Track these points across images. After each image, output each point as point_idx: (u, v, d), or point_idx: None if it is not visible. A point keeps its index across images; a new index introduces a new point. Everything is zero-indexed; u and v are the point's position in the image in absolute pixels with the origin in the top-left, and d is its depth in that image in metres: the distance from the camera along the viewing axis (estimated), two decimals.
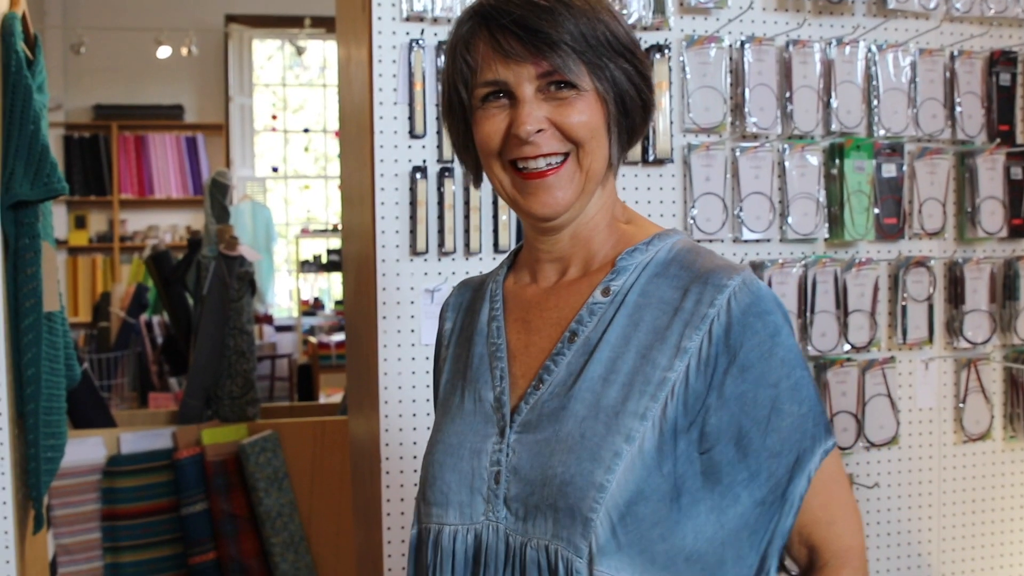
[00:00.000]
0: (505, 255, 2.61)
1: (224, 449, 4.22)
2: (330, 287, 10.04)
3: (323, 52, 10.25)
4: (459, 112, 1.38)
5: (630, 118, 1.36)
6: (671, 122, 2.74)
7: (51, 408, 2.58)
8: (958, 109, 2.97)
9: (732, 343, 1.27)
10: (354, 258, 2.96)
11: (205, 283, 4.33)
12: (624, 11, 2.67)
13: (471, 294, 1.55)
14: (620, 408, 1.27)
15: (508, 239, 2.63)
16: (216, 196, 4.44)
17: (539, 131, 1.30)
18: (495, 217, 2.63)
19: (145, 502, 4.17)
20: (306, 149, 10.36)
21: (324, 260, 9.32)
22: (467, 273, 2.61)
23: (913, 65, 2.93)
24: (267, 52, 10.25)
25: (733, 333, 1.27)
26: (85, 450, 4.11)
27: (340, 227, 9.54)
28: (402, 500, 2.58)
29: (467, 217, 2.61)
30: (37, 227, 2.47)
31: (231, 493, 4.19)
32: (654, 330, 1.30)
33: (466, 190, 2.61)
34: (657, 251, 1.37)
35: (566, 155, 1.32)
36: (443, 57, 2.58)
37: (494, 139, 1.33)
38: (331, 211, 10.31)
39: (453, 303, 1.57)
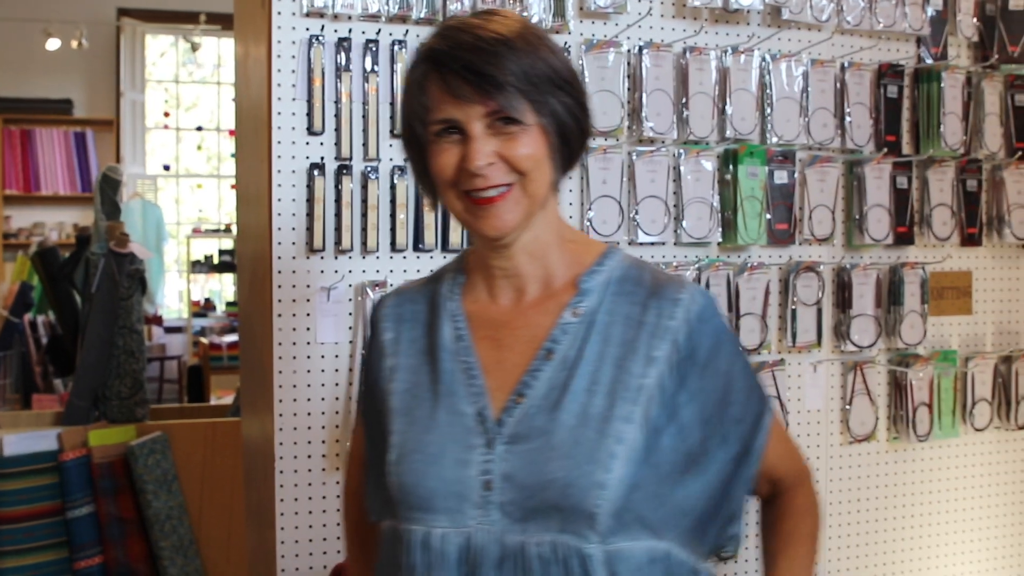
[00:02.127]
0: (402, 253, 2.62)
1: (112, 451, 4.12)
2: (222, 288, 9.88)
3: (218, 49, 10.09)
4: (416, 146, 1.53)
5: (569, 145, 1.52)
6: None
7: None
8: (848, 119, 3.05)
9: (692, 348, 1.50)
10: (249, 257, 2.92)
11: (94, 281, 4.22)
12: (525, 13, 2.69)
13: (413, 307, 1.65)
14: (608, 415, 1.45)
15: (405, 238, 2.62)
16: (106, 192, 4.33)
17: (489, 164, 1.44)
18: (392, 215, 2.62)
19: (28, 505, 4.04)
20: (199, 148, 10.19)
21: (216, 261, 9.16)
22: (363, 272, 2.60)
23: (805, 75, 3.00)
24: (160, 48, 10.06)
25: (692, 339, 1.50)
26: None
27: (233, 227, 9.43)
28: (296, 500, 2.55)
29: (364, 215, 2.60)
30: None
31: (118, 496, 4.09)
32: (624, 343, 1.49)
33: (363, 188, 2.59)
34: (611, 269, 1.55)
35: (512, 183, 1.47)
36: (344, 54, 2.57)
37: (448, 171, 1.48)
38: (223, 211, 10.15)
39: (391, 314, 1.66)
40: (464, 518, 1.46)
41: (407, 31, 2.63)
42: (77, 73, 9.36)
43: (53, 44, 9.01)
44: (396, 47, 2.62)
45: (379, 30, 2.62)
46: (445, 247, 2.66)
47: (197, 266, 9.13)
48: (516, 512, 1.43)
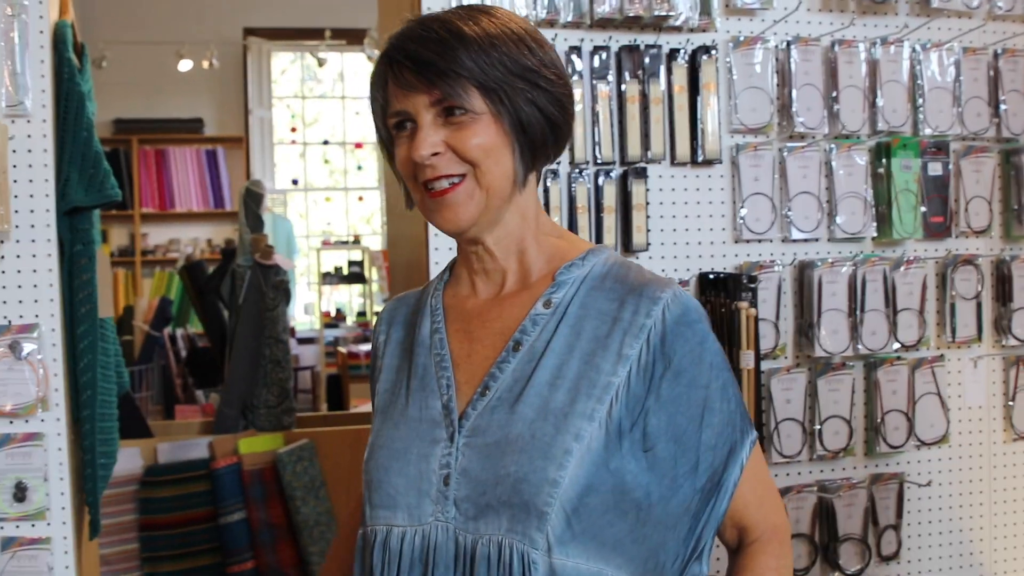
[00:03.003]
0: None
1: (261, 458, 4.21)
2: (349, 299, 10.04)
3: (341, 64, 10.27)
4: (386, 143, 1.50)
5: (530, 136, 1.43)
6: (719, 123, 2.74)
7: (104, 414, 2.58)
8: (1002, 107, 2.97)
9: (667, 351, 1.40)
10: (402, 266, 2.97)
11: (240, 293, 4.34)
12: (671, 13, 2.67)
13: (406, 309, 1.63)
14: (568, 410, 1.38)
15: None
16: (250, 205, 4.45)
17: (435, 154, 1.40)
18: None
19: (183, 512, 4.16)
20: (326, 161, 10.38)
21: (345, 272, 9.32)
22: None
23: (957, 64, 2.94)
24: (281, 65, 10.27)
25: (667, 341, 1.40)
26: (123, 460, 4.09)
27: (361, 239, 9.59)
28: None
29: None
30: (91, 233, 2.48)
31: (268, 502, 4.19)
32: (595, 338, 1.41)
33: None
34: (593, 265, 1.48)
35: (464, 175, 1.41)
36: None
37: (403, 164, 1.44)
38: (350, 223, 10.33)
39: (386, 318, 1.65)
40: (423, 515, 1.41)
41: (555, 35, 2.64)
42: (207, 92, 9.61)
43: (185, 65, 9.26)
44: None
45: None
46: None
47: (327, 277, 9.31)
48: (471, 509, 1.38)
